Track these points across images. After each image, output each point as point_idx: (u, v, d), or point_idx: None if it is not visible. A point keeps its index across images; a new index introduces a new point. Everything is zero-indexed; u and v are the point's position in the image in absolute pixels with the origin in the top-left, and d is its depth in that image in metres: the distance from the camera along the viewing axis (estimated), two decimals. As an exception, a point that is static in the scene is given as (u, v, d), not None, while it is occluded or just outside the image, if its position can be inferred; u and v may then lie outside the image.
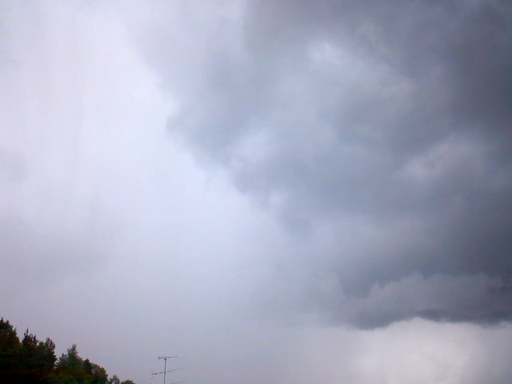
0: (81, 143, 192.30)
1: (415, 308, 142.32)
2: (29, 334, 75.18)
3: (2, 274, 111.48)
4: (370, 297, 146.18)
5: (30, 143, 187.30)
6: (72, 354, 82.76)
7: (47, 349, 77.20)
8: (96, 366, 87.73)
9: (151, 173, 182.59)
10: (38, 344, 75.60)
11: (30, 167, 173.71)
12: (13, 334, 73.38)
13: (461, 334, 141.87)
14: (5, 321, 73.69)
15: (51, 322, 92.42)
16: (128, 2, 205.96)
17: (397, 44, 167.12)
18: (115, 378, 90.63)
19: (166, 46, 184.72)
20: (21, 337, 74.32)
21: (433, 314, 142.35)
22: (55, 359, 79.22)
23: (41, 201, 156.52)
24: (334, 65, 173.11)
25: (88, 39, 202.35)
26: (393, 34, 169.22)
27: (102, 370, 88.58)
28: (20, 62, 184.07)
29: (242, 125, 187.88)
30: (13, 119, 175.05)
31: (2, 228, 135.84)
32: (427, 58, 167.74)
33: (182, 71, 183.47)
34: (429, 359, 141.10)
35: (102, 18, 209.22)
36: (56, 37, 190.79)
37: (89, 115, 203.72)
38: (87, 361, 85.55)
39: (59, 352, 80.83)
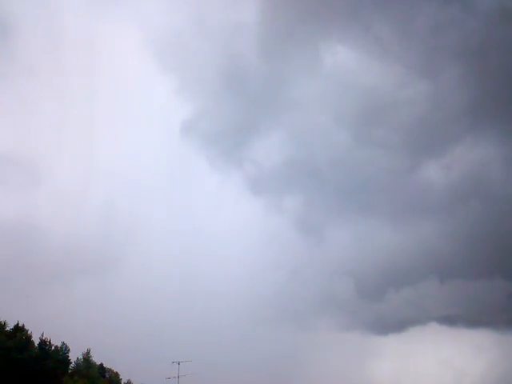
0: (95, 148, 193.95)
1: (431, 313, 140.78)
2: (44, 338, 75.62)
3: (17, 279, 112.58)
4: (386, 302, 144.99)
5: (44, 149, 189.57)
6: (87, 357, 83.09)
7: (62, 352, 77.56)
8: (110, 369, 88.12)
9: (165, 177, 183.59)
10: (53, 348, 76.01)
11: (45, 173, 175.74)
12: (28, 337, 73.88)
13: (478, 340, 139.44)
14: (20, 324, 74.36)
15: (66, 326, 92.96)
16: (142, 8, 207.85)
17: (412, 45, 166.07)
18: (129, 382, 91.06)
19: (180, 51, 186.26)
20: (36, 340, 74.87)
21: (449, 320, 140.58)
22: (70, 363, 79.52)
23: (55, 206, 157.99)
24: (348, 67, 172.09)
25: (103, 45, 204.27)
26: (408, 35, 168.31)
27: (116, 374, 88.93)
28: (36, 68, 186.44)
29: (255, 128, 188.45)
30: (28, 125, 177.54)
31: (17, 233, 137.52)
32: (444, 59, 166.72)
33: (196, 75, 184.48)
34: (445, 365, 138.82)
35: (116, 24, 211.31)
36: (71, 43, 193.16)
37: (103, 121, 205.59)
38: (101, 365, 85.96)
39: (74, 356, 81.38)
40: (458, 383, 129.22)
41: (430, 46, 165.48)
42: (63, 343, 78.21)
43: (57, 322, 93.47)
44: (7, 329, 73.38)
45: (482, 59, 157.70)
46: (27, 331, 74.49)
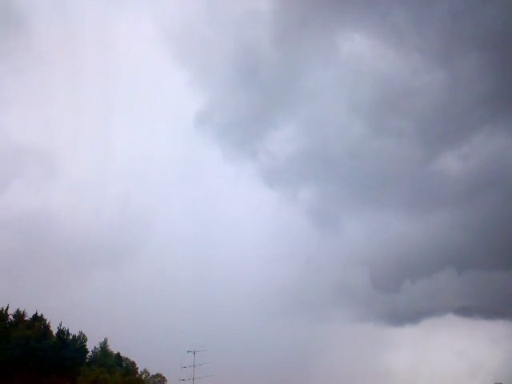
0: (111, 140, 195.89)
1: (448, 304, 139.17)
2: (62, 328, 77.09)
3: (35, 270, 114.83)
4: (401, 293, 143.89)
5: (61, 141, 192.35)
6: (104, 347, 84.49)
7: (80, 342, 78.95)
8: (127, 359, 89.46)
9: (180, 168, 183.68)
10: (70, 337, 77.41)
11: (62, 165, 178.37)
12: (47, 327, 75.48)
13: (495, 332, 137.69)
14: (39, 314, 75.96)
15: (83, 316, 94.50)
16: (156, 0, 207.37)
17: (429, 32, 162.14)
18: (145, 371, 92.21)
19: (194, 42, 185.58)
20: (54, 330, 76.40)
21: (466, 311, 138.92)
22: (87, 352, 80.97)
23: (72, 197, 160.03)
24: (363, 56, 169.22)
25: (117, 38, 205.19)
26: (425, 22, 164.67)
27: (133, 363, 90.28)
28: (51, 62, 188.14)
29: (270, 119, 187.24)
30: (45, 118, 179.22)
31: (35, 225, 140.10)
32: (461, 47, 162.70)
33: (210, 66, 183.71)
34: (461, 357, 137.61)
35: (130, 16, 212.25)
36: (86, 37, 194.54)
37: (119, 113, 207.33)
38: (118, 354, 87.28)
39: (91, 345, 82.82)
40: (474, 374, 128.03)
41: (447, 33, 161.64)
42: (81, 332, 79.73)
43: (74, 311, 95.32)
44: (26, 318, 75.14)
45: (500, 47, 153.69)
46: (45, 321, 76.17)
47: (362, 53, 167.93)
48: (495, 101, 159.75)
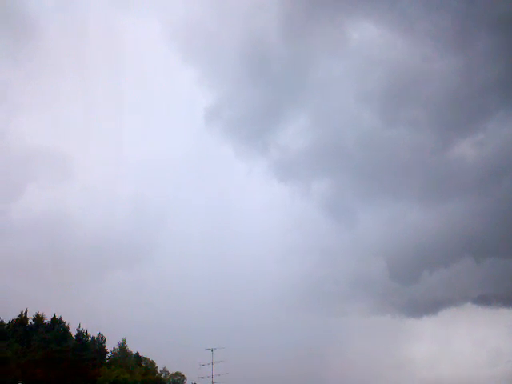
0: (123, 140, 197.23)
1: (467, 294, 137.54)
2: (81, 329, 78.01)
3: (52, 272, 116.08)
4: (419, 283, 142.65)
5: (74, 144, 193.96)
6: (123, 347, 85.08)
7: (99, 343, 79.80)
8: (146, 358, 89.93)
9: (192, 166, 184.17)
10: (89, 338, 78.24)
11: (75, 167, 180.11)
12: (66, 329, 76.33)
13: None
14: (58, 317, 76.78)
15: (102, 317, 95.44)
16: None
17: (440, 17, 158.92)
18: (165, 370, 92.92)
19: (201, 38, 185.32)
20: (73, 332, 77.27)
21: (485, 300, 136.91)
22: (107, 353, 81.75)
23: (86, 199, 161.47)
24: (373, 44, 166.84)
25: (125, 40, 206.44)
26: (435, 7, 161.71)
27: (152, 363, 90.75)
28: (62, 65, 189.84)
29: (280, 113, 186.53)
30: (57, 121, 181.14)
31: (51, 227, 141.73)
32: (474, 31, 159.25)
33: (219, 62, 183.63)
34: (481, 346, 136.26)
35: (136, 17, 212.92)
36: (95, 39, 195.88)
37: (130, 113, 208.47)
38: (137, 354, 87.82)
39: (110, 346, 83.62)
40: (494, 363, 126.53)
41: (459, 17, 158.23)
42: (99, 334, 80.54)
43: (92, 312, 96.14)
44: (45, 321, 76.05)
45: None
46: (65, 323, 77.01)
47: (371, 41, 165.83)
48: (509, 85, 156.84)
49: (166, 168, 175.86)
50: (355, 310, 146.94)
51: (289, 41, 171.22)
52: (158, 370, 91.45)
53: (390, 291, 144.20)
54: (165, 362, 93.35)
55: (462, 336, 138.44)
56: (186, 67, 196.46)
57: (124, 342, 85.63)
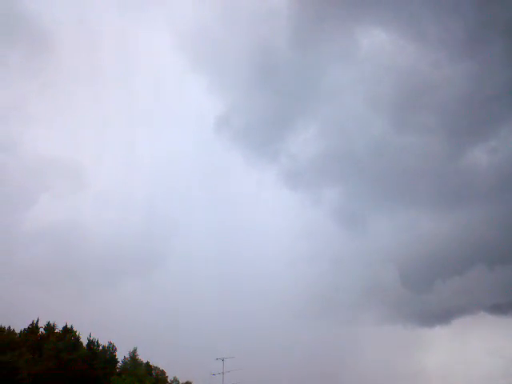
0: (134, 149, 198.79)
1: (480, 302, 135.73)
2: (92, 338, 78.09)
3: (65, 281, 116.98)
4: (432, 292, 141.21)
5: (86, 153, 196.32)
6: (133, 356, 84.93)
7: (109, 352, 79.68)
8: (156, 367, 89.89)
9: (203, 173, 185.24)
10: (100, 348, 78.29)
11: (89, 176, 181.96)
12: (77, 338, 76.47)
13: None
14: (69, 326, 77.07)
15: (112, 325, 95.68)
16: (170, 8, 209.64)
17: (451, 22, 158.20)
18: (175, 379, 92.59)
19: (210, 46, 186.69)
20: (84, 341, 77.39)
21: (499, 308, 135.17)
22: (117, 362, 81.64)
23: (99, 208, 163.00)
24: (384, 50, 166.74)
25: (137, 50, 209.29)
26: (446, 12, 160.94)
27: (163, 372, 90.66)
28: (77, 76, 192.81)
29: (289, 120, 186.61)
30: (69, 131, 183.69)
31: (64, 237, 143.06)
32: (485, 36, 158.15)
33: (228, 70, 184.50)
34: (496, 355, 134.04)
35: (148, 29, 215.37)
36: (108, 51, 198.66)
37: (141, 122, 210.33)
38: (148, 363, 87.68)
39: (121, 355, 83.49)
40: (509, 373, 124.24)
41: (470, 22, 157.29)
42: (110, 343, 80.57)
43: (103, 321, 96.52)
44: (57, 330, 76.38)
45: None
46: (76, 332, 77.20)
47: (382, 47, 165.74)
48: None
49: (177, 176, 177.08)
50: (366, 319, 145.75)
51: (298, 48, 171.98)
52: (169, 380, 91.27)
53: (402, 300, 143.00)
54: (175, 371, 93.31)
55: (475, 346, 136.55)
56: (195, 76, 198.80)
57: (135, 350, 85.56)
